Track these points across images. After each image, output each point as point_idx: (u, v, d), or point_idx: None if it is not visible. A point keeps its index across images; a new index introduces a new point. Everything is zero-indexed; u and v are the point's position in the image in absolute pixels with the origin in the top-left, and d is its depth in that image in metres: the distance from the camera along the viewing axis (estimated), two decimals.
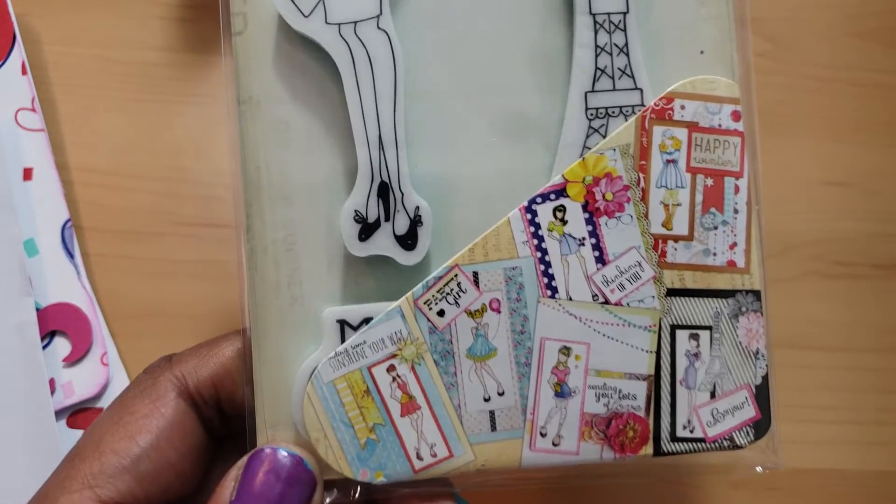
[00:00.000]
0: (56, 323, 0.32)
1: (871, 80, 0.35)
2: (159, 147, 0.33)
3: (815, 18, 0.35)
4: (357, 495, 0.21)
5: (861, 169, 0.34)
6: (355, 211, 0.21)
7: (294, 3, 0.21)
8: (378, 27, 0.21)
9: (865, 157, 0.34)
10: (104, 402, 0.32)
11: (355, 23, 0.21)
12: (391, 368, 0.21)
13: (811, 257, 0.33)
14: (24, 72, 0.33)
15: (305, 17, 0.21)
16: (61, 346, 0.32)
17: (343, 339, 0.21)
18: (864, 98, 0.34)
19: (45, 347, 0.31)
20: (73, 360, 0.31)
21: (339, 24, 0.21)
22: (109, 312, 0.32)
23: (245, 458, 0.20)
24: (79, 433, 0.31)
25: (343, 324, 0.21)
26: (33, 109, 0.33)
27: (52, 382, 0.31)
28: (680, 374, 0.22)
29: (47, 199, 0.32)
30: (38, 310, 0.31)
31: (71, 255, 0.32)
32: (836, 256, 0.33)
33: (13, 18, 0.33)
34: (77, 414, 0.31)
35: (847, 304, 0.33)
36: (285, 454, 0.20)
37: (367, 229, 0.21)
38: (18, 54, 0.33)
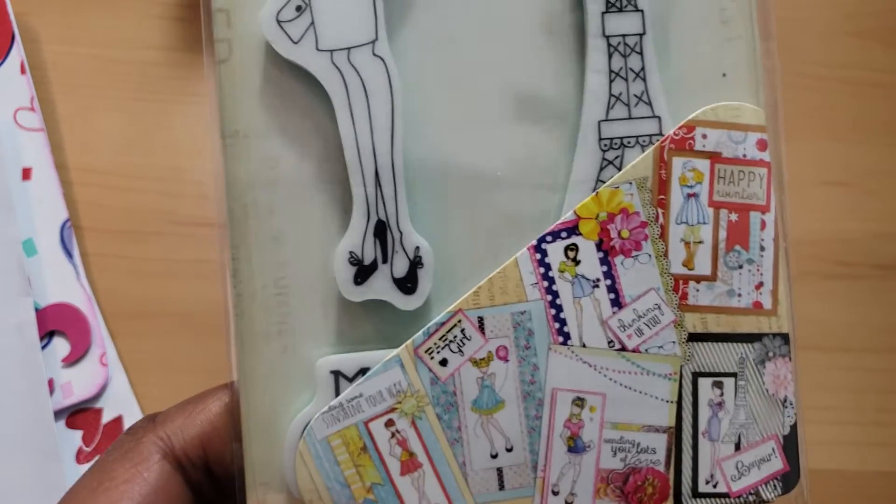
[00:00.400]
0: (55, 323, 0.31)
1: (870, 80, 0.34)
2: (158, 146, 0.33)
3: (814, 17, 0.34)
4: None
5: (860, 168, 0.33)
6: (350, 252, 0.20)
7: (283, 28, 0.19)
8: (374, 54, 0.19)
9: (864, 156, 0.34)
10: (103, 403, 0.31)
11: (349, 49, 0.19)
12: (390, 423, 0.19)
13: (811, 257, 0.33)
14: (22, 71, 0.32)
15: (295, 43, 0.19)
16: (60, 346, 0.31)
17: (338, 392, 0.20)
18: (863, 97, 0.34)
19: (43, 348, 0.31)
20: (71, 360, 0.31)
21: (332, 51, 0.19)
22: (108, 312, 0.32)
23: None
24: (77, 433, 0.31)
25: (337, 375, 0.20)
26: (32, 109, 0.32)
27: (50, 383, 0.31)
28: (702, 426, 0.20)
29: (46, 198, 0.32)
30: (36, 310, 0.31)
31: (70, 255, 0.32)
32: (836, 256, 0.33)
33: (12, 18, 0.32)
34: (76, 414, 0.31)
35: (847, 305, 0.33)
36: None
37: (363, 272, 0.20)
38: (17, 54, 0.33)
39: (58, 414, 0.30)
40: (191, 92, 0.33)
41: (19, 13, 0.33)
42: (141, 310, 0.31)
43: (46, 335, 0.31)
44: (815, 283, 0.33)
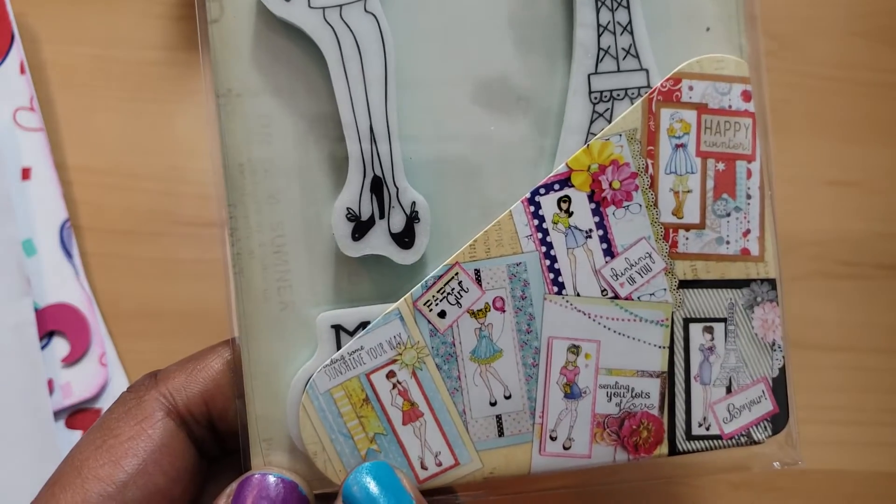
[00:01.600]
0: (54, 323, 0.31)
1: (877, 80, 0.34)
2: (158, 146, 0.32)
3: (820, 17, 0.34)
4: None
5: (865, 168, 0.34)
6: (347, 209, 0.20)
7: None
8: (365, 10, 0.20)
9: (870, 156, 0.34)
10: (103, 403, 0.31)
11: (341, 6, 0.20)
12: (391, 374, 0.20)
13: (814, 257, 0.33)
14: (22, 71, 0.32)
15: (287, 1, 0.20)
16: (60, 346, 0.31)
17: (339, 346, 0.20)
18: (869, 97, 0.34)
19: (43, 348, 0.31)
20: (71, 360, 0.31)
21: (324, 8, 0.19)
22: (108, 312, 0.32)
23: (234, 485, 0.19)
24: (77, 434, 0.31)
25: (338, 329, 0.20)
26: (32, 109, 0.32)
27: (50, 383, 0.31)
28: (694, 370, 0.21)
29: (46, 198, 0.32)
30: (36, 310, 0.31)
31: (69, 255, 0.32)
32: (840, 256, 0.33)
33: (11, 17, 0.32)
34: (76, 414, 0.31)
35: (851, 304, 0.33)
36: (275, 479, 0.19)
37: (360, 228, 0.20)
38: (17, 53, 0.33)
39: (57, 414, 0.31)
40: (191, 91, 0.33)
41: (19, 13, 0.32)
42: (141, 310, 0.31)
43: (46, 335, 0.31)
44: (819, 283, 0.33)
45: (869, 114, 0.34)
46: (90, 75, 0.33)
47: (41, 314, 0.31)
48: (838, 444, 0.32)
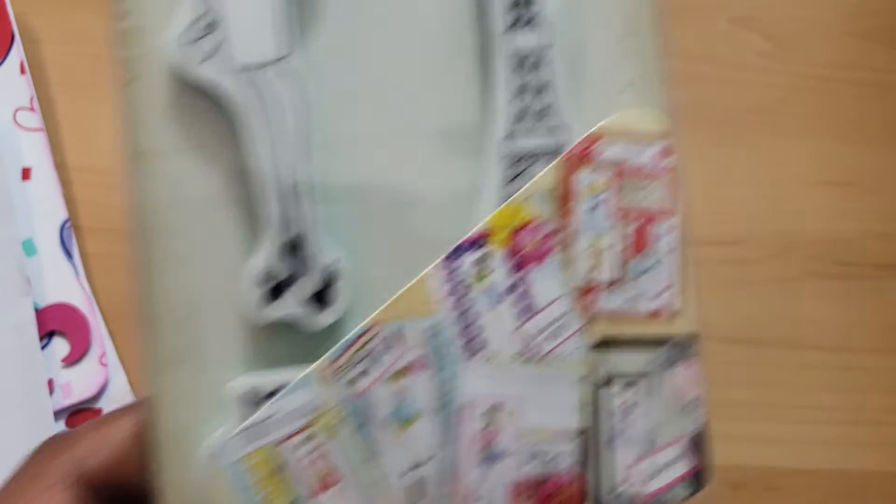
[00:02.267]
0: (55, 323, 0.31)
1: (872, 80, 0.34)
2: None
3: (816, 18, 0.35)
4: None
5: (861, 169, 0.34)
6: (261, 270, 0.20)
7: (191, 47, 0.19)
8: (286, 69, 0.20)
9: (866, 156, 0.34)
10: (103, 403, 0.31)
11: (260, 66, 0.19)
12: (305, 441, 0.19)
13: (811, 257, 0.33)
14: (22, 71, 0.33)
15: (204, 62, 0.19)
16: (60, 346, 0.31)
17: (251, 413, 0.19)
18: (864, 98, 0.34)
19: (43, 348, 0.31)
20: (71, 360, 0.31)
21: (243, 69, 0.19)
22: (108, 312, 0.32)
23: None
24: None
25: (250, 396, 0.20)
26: (32, 109, 0.33)
27: (50, 383, 0.31)
28: (614, 429, 0.21)
29: (46, 198, 0.32)
30: (36, 310, 0.31)
31: (69, 255, 0.32)
32: (836, 256, 0.33)
33: (12, 18, 0.32)
34: (76, 415, 0.31)
35: (847, 305, 0.33)
36: None
37: (275, 290, 0.20)
38: (17, 53, 0.33)
39: (58, 414, 0.31)
40: None
41: (19, 13, 0.32)
42: None
43: (46, 335, 0.31)
44: (814, 283, 0.33)
45: (865, 114, 0.34)
46: (90, 75, 0.33)
47: (41, 314, 0.31)
48: (837, 444, 0.32)
